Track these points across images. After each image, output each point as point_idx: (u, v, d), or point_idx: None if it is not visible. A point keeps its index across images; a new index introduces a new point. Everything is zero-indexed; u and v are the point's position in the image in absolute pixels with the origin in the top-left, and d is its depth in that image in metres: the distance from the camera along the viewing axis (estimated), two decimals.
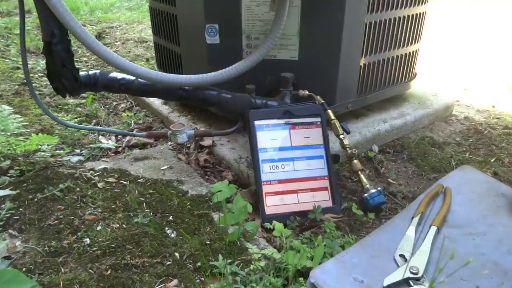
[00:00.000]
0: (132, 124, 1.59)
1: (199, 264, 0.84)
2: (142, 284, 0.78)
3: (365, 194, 1.06)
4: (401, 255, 0.70)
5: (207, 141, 1.29)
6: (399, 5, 1.31)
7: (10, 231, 0.90)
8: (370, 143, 1.36)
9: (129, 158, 1.24)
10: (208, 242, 0.90)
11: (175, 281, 0.80)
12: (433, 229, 0.75)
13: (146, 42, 2.65)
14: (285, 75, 1.21)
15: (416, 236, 0.74)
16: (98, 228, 0.91)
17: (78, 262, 0.83)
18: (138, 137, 1.40)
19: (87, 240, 0.88)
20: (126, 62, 1.02)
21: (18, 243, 0.87)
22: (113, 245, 0.87)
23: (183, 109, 1.53)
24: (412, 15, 1.39)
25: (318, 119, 1.12)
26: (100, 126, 1.58)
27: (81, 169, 1.13)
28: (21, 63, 1.16)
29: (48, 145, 1.28)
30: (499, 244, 0.73)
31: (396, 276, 0.65)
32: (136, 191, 1.05)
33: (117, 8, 3.69)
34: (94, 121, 1.62)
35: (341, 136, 1.13)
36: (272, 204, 1.03)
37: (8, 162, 1.13)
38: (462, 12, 3.66)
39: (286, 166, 1.06)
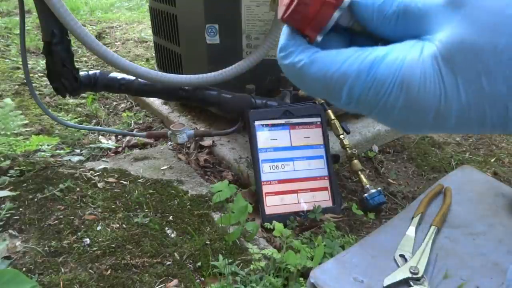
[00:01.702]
0: (132, 124, 1.59)
1: (199, 264, 0.84)
2: (142, 284, 0.78)
3: (365, 194, 1.06)
4: (401, 255, 0.69)
5: (207, 141, 1.29)
6: None
7: (10, 231, 0.90)
8: (370, 143, 1.36)
9: (129, 158, 1.24)
10: (208, 242, 0.90)
11: (175, 281, 0.80)
12: (433, 229, 0.75)
13: (146, 42, 2.65)
14: (285, 75, 1.21)
15: (416, 236, 0.74)
16: (98, 228, 0.91)
17: (78, 262, 0.82)
18: (138, 137, 1.40)
19: (87, 240, 0.88)
20: (126, 62, 1.02)
21: (18, 243, 0.87)
22: (113, 245, 0.87)
23: (183, 109, 1.53)
24: None
25: (318, 119, 1.12)
26: (100, 126, 1.58)
27: (81, 169, 1.13)
28: (21, 63, 1.16)
29: (48, 145, 1.28)
30: (499, 244, 0.73)
31: (396, 276, 0.65)
32: (136, 191, 1.05)
33: (117, 8, 3.69)
34: (94, 121, 1.62)
35: (341, 136, 1.13)
36: (272, 204, 1.03)
37: (8, 162, 1.13)
38: None
39: (286, 166, 1.06)
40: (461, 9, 0.22)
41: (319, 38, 0.26)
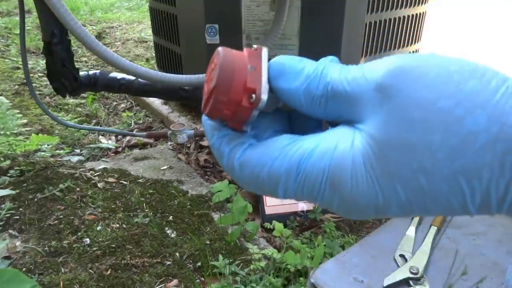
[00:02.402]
0: (132, 124, 1.59)
1: (199, 264, 0.84)
2: (142, 284, 0.78)
3: None
4: (401, 255, 0.69)
5: (207, 141, 1.29)
6: (399, 5, 1.31)
7: (10, 231, 0.90)
8: None
9: (129, 158, 1.24)
10: (208, 242, 0.90)
11: (175, 281, 0.80)
12: (433, 229, 0.75)
13: (146, 42, 2.65)
14: None
15: (416, 236, 0.74)
16: (98, 228, 0.91)
17: (78, 262, 0.82)
18: (138, 137, 1.40)
19: (87, 240, 0.88)
20: (126, 62, 1.02)
21: (18, 243, 0.87)
22: (113, 245, 0.87)
23: (183, 109, 1.53)
24: (412, 15, 1.39)
25: None
26: (100, 126, 1.58)
27: (81, 169, 1.13)
28: (21, 63, 1.16)
29: (48, 145, 1.28)
30: (499, 244, 0.73)
31: (396, 276, 0.65)
32: (136, 191, 1.05)
33: (117, 8, 3.69)
34: (94, 121, 1.62)
35: None
36: (272, 204, 1.03)
37: (8, 162, 1.13)
38: (462, 12, 3.66)
39: None
40: (390, 100, 0.20)
41: (246, 129, 0.24)
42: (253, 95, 0.22)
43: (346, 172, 0.20)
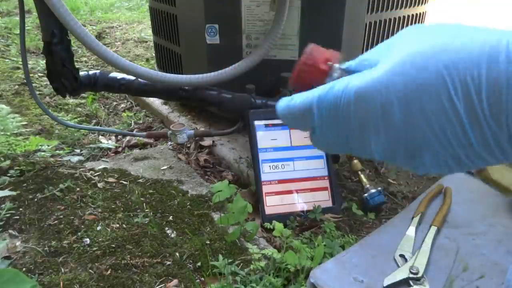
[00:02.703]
0: (132, 124, 1.59)
1: (199, 264, 0.84)
2: (142, 284, 0.78)
3: (365, 194, 1.06)
4: (401, 255, 0.70)
5: (207, 141, 1.29)
6: (399, 5, 1.31)
7: (10, 231, 0.90)
8: None
9: (129, 158, 1.24)
10: (208, 242, 0.90)
11: (175, 281, 0.80)
12: (433, 229, 0.75)
13: (146, 42, 2.65)
14: (285, 75, 1.21)
15: (416, 236, 0.74)
16: (98, 228, 0.91)
17: (78, 262, 0.83)
18: (138, 137, 1.40)
19: (87, 240, 0.88)
20: (126, 62, 1.02)
21: (18, 243, 0.87)
22: (113, 245, 0.87)
23: (183, 109, 1.53)
24: (412, 15, 1.39)
25: None
26: (100, 126, 1.58)
27: (81, 169, 1.13)
28: (21, 63, 1.16)
29: (48, 145, 1.28)
30: (499, 244, 0.73)
31: (396, 276, 0.65)
32: (136, 191, 1.05)
33: (117, 8, 3.69)
34: (94, 121, 1.62)
35: None
36: (272, 204, 1.03)
37: (8, 162, 1.13)
38: (462, 12, 3.66)
39: (286, 166, 1.06)
40: (390, 51, 0.28)
41: None
42: (329, 62, 0.33)
43: (359, 76, 0.28)
